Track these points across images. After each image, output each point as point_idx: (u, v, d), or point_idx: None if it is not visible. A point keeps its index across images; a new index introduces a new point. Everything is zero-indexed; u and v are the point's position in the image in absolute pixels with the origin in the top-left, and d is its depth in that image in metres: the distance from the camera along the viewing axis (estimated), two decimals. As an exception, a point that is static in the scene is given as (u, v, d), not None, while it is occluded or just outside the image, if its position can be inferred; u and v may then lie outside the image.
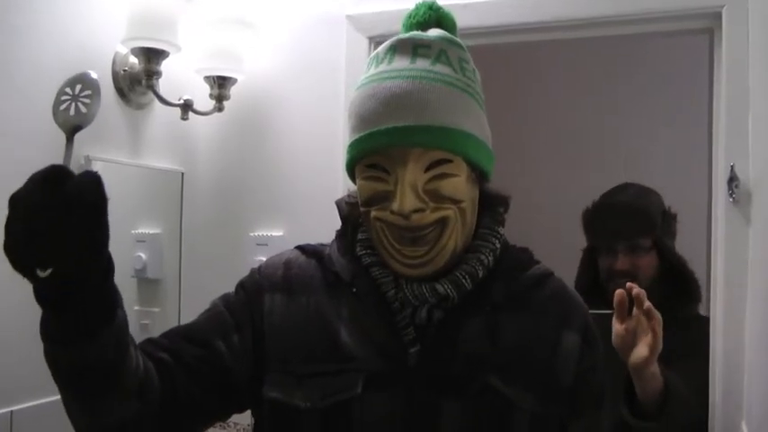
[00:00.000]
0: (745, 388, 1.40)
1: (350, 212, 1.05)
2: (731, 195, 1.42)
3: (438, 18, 1.02)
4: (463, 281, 0.97)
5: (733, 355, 1.45)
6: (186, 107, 1.85)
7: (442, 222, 0.93)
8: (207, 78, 1.88)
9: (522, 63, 2.79)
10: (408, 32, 0.98)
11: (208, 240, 2.02)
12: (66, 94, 0.88)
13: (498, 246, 1.03)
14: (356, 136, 0.93)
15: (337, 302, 1.00)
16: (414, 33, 0.97)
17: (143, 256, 1.85)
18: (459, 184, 0.94)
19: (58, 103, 0.87)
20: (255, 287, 1.05)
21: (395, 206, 0.90)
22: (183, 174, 1.97)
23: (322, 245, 1.10)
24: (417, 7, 1.03)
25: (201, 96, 1.89)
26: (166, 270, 1.92)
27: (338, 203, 1.08)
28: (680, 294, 1.75)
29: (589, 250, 1.90)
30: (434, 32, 0.98)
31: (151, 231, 1.88)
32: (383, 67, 0.94)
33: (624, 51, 2.66)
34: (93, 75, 0.89)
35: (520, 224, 2.72)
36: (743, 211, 1.42)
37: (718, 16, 1.52)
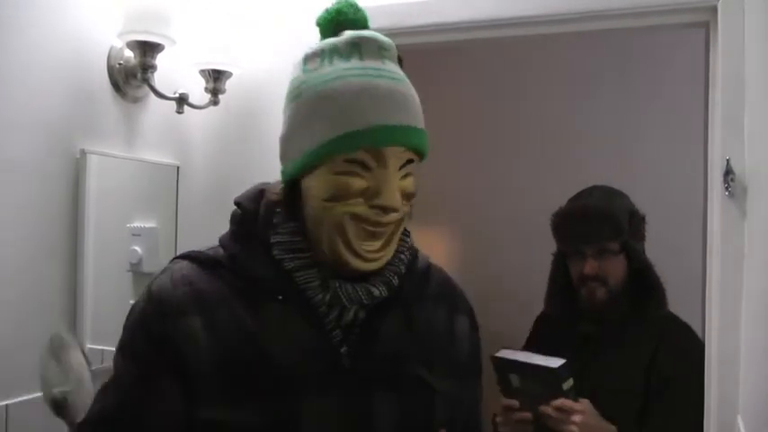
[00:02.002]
0: (740, 382, 1.41)
1: (268, 211, 1.01)
2: (727, 189, 1.42)
3: (364, 19, 1.00)
4: (392, 280, 0.99)
5: (728, 349, 1.44)
6: (182, 101, 1.84)
7: (400, 219, 0.95)
8: (202, 72, 1.88)
9: (516, 59, 2.78)
10: (360, 31, 0.96)
11: (203, 234, 1.99)
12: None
13: (411, 243, 1.06)
14: (348, 130, 0.89)
15: (254, 311, 0.94)
16: (372, 33, 0.96)
17: (138, 250, 1.85)
18: (414, 183, 0.96)
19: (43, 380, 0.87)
20: (160, 327, 0.93)
21: (382, 201, 0.90)
22: (178, 167, 1.97)
23: (206, 250, 1.03)
24: (344, 5, 0.99)
25: (197, 90, 1.89)
26: (162, 264, 1.91)
27: (246, 203, 1.04)
28: (646, 297, 1.77)
29: (559, 254, 1.90)
30: (377, 33, 0.97)
31: (147, 225, 1.88)
32: (355, 63, 0.92)
33: (620, 45, 2.65)
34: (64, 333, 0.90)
35: (509, 224, 2.76)
36: (739, 204, 1.42)
37: (713, 10, 1.52)
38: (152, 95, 1.80)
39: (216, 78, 1.87)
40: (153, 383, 0.93)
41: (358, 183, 0.91)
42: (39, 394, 1.54)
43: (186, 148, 2.02)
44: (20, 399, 1.51)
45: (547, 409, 1.61)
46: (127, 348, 0.97)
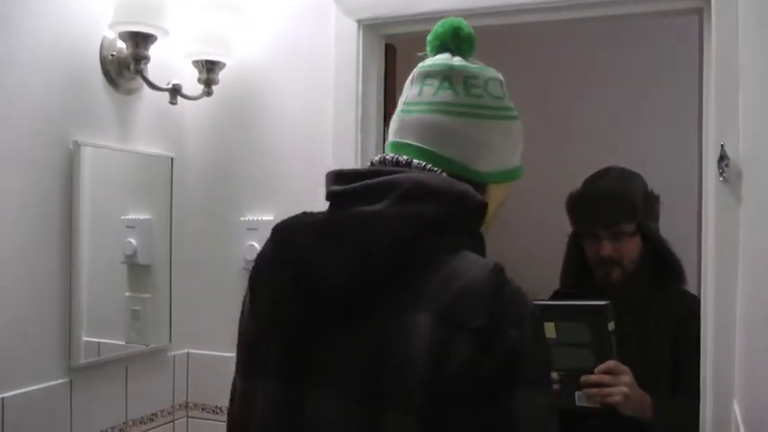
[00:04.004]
0: (736, 367, 1.41)
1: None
2: (721, 174, 1.42)
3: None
4: None
5: (724, 333, 1.45)
6: (175, 92, 1.84)
7: None
8: (195, 63, 1.87)
9: (509, 46, 2.78)
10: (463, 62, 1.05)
11: (198, 225, 2.01)
12: None
13: None
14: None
15: None
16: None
17: (133, 241, 1.84)
18: None
19: None
20: None
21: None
22: (172, 159, 1.96)
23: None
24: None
25: (190, 81, 1.88)
26: (157, 255, 1.92)
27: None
28: (664, 275, 1.78)
29: (575, 235, 1.90)
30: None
31: (141, 217, 1.88)
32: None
33: (613, 32, 2.66)
34: None
35: (508, 210, 2.77)
36: (733, 190, 1.42)
37: (707, -5, 1.52)
38: (145, 87, 1.79)
39: (209, 69, 1.86)
40: None
41: None
42: (34, 387, 1.54)
43: (180, 139, 2.02)
44: (16, 392, 1.51)
45: (590, 378, 1.57)
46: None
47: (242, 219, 1.97)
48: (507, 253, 2.71)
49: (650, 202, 1.82)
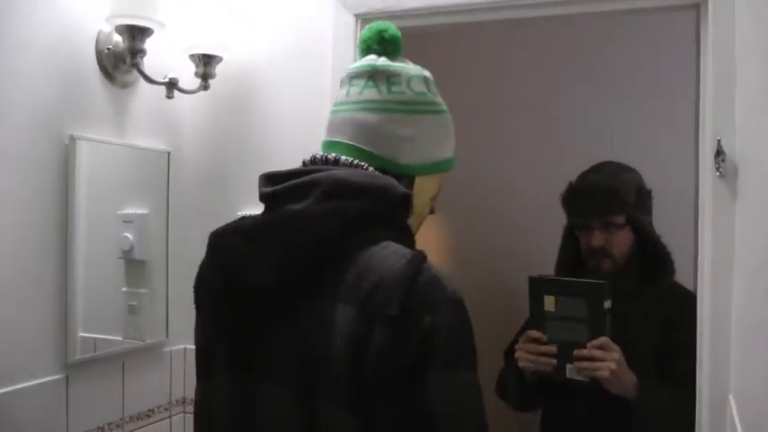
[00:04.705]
0: (731, 361, 1.42)
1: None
2: (718, 169, 1.43)
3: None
4: None
5: (720, 328, 1.46)
6: (171, 86, 1.83)
7: None
8: (192, 57, 1.86)
9: (507, 41, 2.78)
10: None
11: (195, 220, 2.00)
12: None
13: None
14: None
15: None
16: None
17: (130, 236, 1.84)
18: None
19: None
20: None
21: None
22: (169, 153, 1.96)
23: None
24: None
25: (187, 75, 1.87)
26: (154, 251, 1.91)
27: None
28: (655, 268, 1.83)
29: (569, 227, 1.97)
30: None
31: (138, 212, 1.87)
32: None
33: (611, 28, 2.65)
34: None
35: (506, 202, 2.78)
36: (729, 184, 1.43)
37: (704, -9, 1.52)
38: (141, 80, 1.79)
39: (206, 63, 1.86)
40: None
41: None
42: (30, 383, 1.54)
43: (177, 133, 2.01)
44: (11, 388, 1.51)
45: (582, 352, 1.64)
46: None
47: (239, 213, 1.95)
48: (507, 245, 2.76)
49: (642, 197, 1.86)
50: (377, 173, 1.02)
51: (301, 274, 0.95)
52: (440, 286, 0.91)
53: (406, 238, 1.02)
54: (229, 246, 1.02)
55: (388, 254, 0.93)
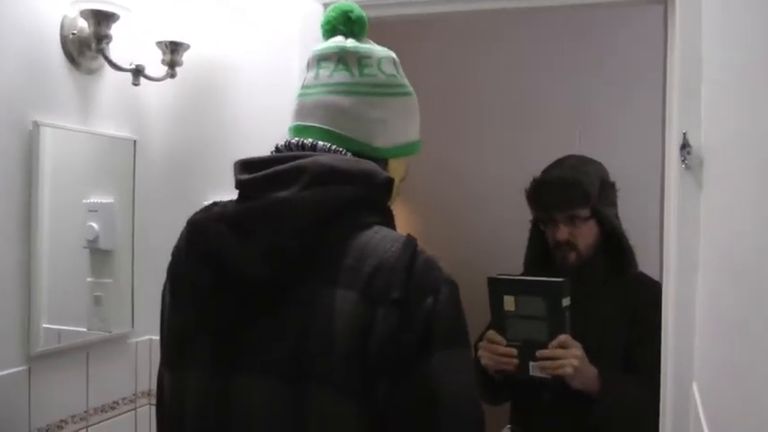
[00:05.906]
0: (695, 351, 1.44)
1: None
2: (683, 161, 1.45)
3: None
4: None
5: (684, 317, 1.48)
6: (138, 72, 1.80)
7: None
8: (159, 44, 1.83)
9: (475, 33, 2.78)
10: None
11: (161, 209, 1.98)
12: None
13: None
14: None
15: None
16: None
17: (95, 226, 1.81)
18: None
19: None
20: None
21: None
22: (135, 141, 1.93)
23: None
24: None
25: (154, 63, 1.84)
26: (119, 240, 1.88)
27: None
28: (620, 260, 1.85)
29: (536, 222, 1.99)
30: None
31: (103, 201, 1.84)
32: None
33: (578, 21, 2.68)
34: None
35: (474, 198, 2.79)
36: (695, 176, 1.45)
37: (672, -15, 1.54)
38: (107, 67, 1.75)
39: (173, 50, 1.83)
40: None
41: None
42: (5, 372, 1.50)
43: (143, 121, 1.98)
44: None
45: (544, 352, 1.66)
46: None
47: (205, 203, 1.92)
48: (474, 241, 2.77)
49: (606, 189, 1.88)
50: (357, 158, 1.01)
51: (294, 261, 0.93)
52: (436, 268, 0.93)
53: (391, 222, 1.02)
54: (215, 234, 0.97)
55: (382, 238, 0.93)
